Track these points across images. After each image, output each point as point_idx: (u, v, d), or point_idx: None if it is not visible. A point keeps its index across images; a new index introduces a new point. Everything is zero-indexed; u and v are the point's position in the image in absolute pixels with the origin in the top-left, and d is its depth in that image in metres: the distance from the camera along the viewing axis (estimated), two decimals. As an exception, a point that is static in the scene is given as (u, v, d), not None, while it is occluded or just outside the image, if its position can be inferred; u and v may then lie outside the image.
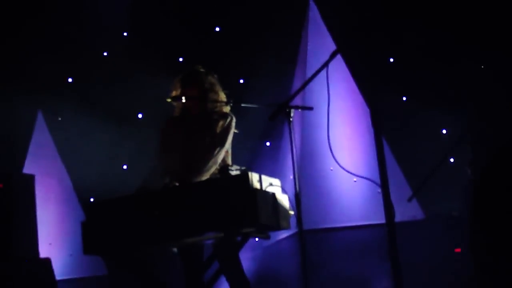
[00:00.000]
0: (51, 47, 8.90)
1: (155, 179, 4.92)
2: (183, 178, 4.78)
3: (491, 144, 4.84)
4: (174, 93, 5.08)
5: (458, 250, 6.69)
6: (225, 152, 4.97)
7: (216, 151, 4.89)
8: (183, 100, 5.00)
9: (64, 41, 8.92)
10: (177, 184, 4.67)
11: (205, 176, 4.83)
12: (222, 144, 4.93)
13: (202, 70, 5.13)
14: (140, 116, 9.09)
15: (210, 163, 4.86)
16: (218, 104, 5.03)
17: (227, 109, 5.09)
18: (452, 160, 7.24)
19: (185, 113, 5.09)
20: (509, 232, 4.27)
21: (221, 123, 4.98)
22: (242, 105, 5.07)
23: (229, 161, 5.01)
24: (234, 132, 5.03)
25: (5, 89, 8.36)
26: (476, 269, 4.54)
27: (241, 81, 8.85)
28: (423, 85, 7.77)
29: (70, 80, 9.28)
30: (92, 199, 8.27)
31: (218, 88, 5.10)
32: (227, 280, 4.80)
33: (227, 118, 5.00)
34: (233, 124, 5.01)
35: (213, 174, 4.89)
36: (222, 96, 5.09)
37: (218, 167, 4.88)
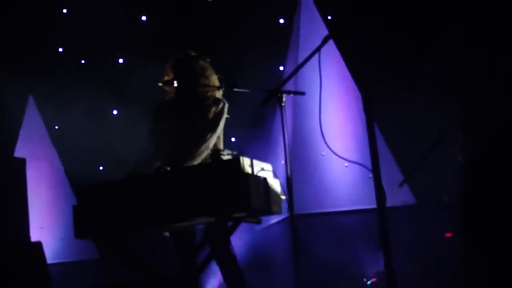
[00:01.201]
0: (43, 31, 8.87)
1: (146, 163, 4.92)
2: (175, 163, 4.78)
3: (482, 129, 4.86)
4: (166, 78, 5.07)
5: (448, 234, 6.73)
6: (216, 137, 4.97)
7: (208, 137, 4.89)
8: (175, 85, 4.99)
9: (55, 25, 8.89)
10: (168, 168, 4.67)
11: (196, 161, 4.83)
12: (214, 129, 4.92)
13: (193, 54, 5.11)
14: (132, 100, 9.07)
15: (202, 148, 4.86)
16: (210, 88, 5.02)
17: (219, 94, 5.08)
18: (443, 145, 7.25)
19: (177, 98, 5.08)
20: (499, 217, 4.29)
21: (213, 108, 4.97)
22: (234, 89, 5.06)
23: (221, 146, 5.01)
24: (226, 118, 5.03)
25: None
26: (466, 254, 4.56)
27: (235, 65, 8.82)
28: (415, 71, 7.77)
29: (61, 64, 9.25)
30: (83, 183, 8.26)
31: (210, 72, 5.09)
32: (218, 264, 4.81)
33: (219, 103, 4.99)
34: (226, 109, 5.00)
35: (205, 158, 4.89)
36: (215, 81, 5.07)
37: (209, 152, 4.89)
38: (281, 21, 9.00)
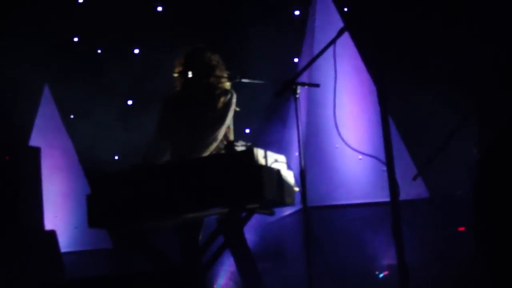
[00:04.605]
0: (58, 19, 8.90)
1: (154, 155, 4.96)
2: (183, 155, 4.80)
3: (497, 123, 4.84)
4: (179, 69, 5.09)
5: (462, 228, 6.71)
6: (226, 128, 4.98)
7: (216, 127, 4.90)
8: (190, 76, 5.00)
9: (71, 12, 8.92)
10: (176, 161, 4.67)
11: (205, 153, 4.85)
12: (222, 120, 4.94)
13: (204, 47, 5.15)
14: (147, 89, 9.09)
15: (210, 140, 4.88)
16: (222, 80, 5.04)
17: (228, 86, 5.10)
18: (457, 139, 7.22)
19: (187, 89, 5.10)
20: (512, 212, 4.28)
21: (222, 99, 4.99)
22: (249, 81, 5.06)
23: (231, 137, 5.02)
24: (236, 110, 5.04)
25: (13, 62, 8.37)
26: (479, 248, 4.56)
27: (249, 56, 8.82)
28: (431, 64, 7.74)
29: (76, 53, 9.29)
30: (97, 172, 8.29)
31: (221, 65, 5.12)
32: (232, 254, 4.84)
33: (227, 94, 5.01)
34: (234, 100, 5.02)
35: (219, 149, 4.91)
36: (224, 74, 5.11)
37: (223, 144, 4.90)
38: (297, 12, 8.99)
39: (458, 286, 6.11)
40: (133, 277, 4.48)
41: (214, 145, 4.90)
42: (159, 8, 9.19)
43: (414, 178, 5.88)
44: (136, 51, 9.22)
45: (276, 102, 7.68)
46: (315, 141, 7.68)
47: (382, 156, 3.84)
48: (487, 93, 4.96)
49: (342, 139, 4.20)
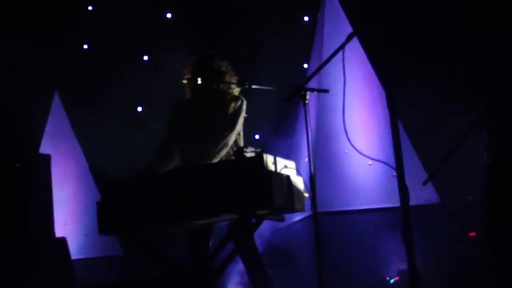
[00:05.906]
0: (68, 27, 8.93)
1: (161, 160, 4.96)
2: (194, 161, 4.81)
3: (507, 128, 4.82)
4: (188, 75, 5.10)
5: (472, 234, 6.68)
6: (236, 134, 4.98)
7: (226, 133, 4.90)
8: (199, 82, 5.01)
9: (80, 20, 8.95)
10: (186, 167, 4.68)
11: (215, 159, 4.85)
12: (233, 126, 4.94)
13: (213, 54, 5.16)
14: (157, 96, 9.12)
15: (221, 146, 4.88)
16: (231, 86, 5.05)
17: (237, 92, 5.11)
18: (468, 143, 7.19)
19: (197, 95, 5.11)
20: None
21: (232, 105, 5.00)
22: (258, 87, 5.06)
23: (241, 144, 5.02)
24: (245, 116, 5.04)
25: (22, 69, 8.40)
26: (490, 253, 4.54)
27: (257, 63, 8.83)
28: (439, 68, 7.72)
29: (86, 60, 9.32)
30: (107, 179, 8.31)
31: (231, 71, 5.13)
32: (242, 260, 4.84)
33: (238, 100, 5.02)
34: (244, 107, 5.02)
35: (228, 155, 4.91)
36: (233, 80, 5.12)
37: (231, 150, 4.90)
38: (306, 18, 8.99)
39: (469, 291, 6.10)
40: (144, 284, 4.48)
41: (224, 151, 4.90)
42: (168, 15, 9.22)
43: (425, 183, 5.87)
44: (145, 58, 9.24)
45: (285, 108, 7.68)
46: (324, 146, 7.66)
47: (392, 161, 3.83)
48: (497, 97, 4.95)
49: (352, 144, 4.20)
